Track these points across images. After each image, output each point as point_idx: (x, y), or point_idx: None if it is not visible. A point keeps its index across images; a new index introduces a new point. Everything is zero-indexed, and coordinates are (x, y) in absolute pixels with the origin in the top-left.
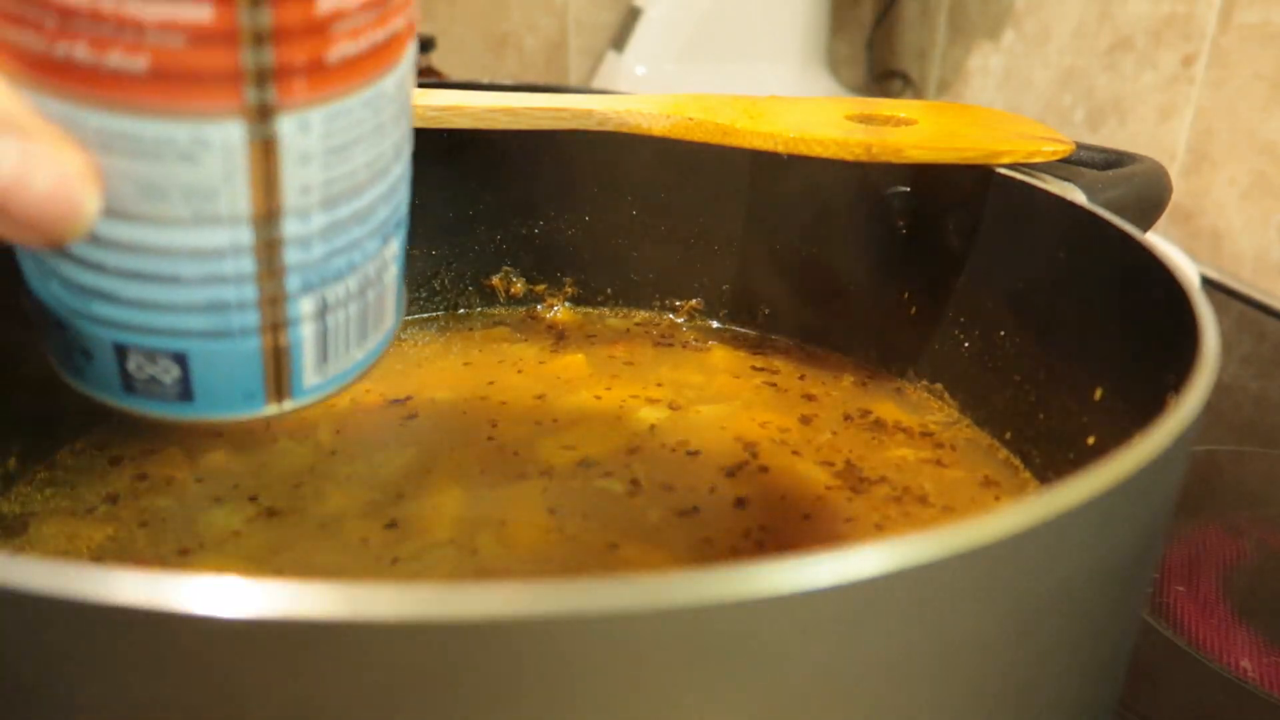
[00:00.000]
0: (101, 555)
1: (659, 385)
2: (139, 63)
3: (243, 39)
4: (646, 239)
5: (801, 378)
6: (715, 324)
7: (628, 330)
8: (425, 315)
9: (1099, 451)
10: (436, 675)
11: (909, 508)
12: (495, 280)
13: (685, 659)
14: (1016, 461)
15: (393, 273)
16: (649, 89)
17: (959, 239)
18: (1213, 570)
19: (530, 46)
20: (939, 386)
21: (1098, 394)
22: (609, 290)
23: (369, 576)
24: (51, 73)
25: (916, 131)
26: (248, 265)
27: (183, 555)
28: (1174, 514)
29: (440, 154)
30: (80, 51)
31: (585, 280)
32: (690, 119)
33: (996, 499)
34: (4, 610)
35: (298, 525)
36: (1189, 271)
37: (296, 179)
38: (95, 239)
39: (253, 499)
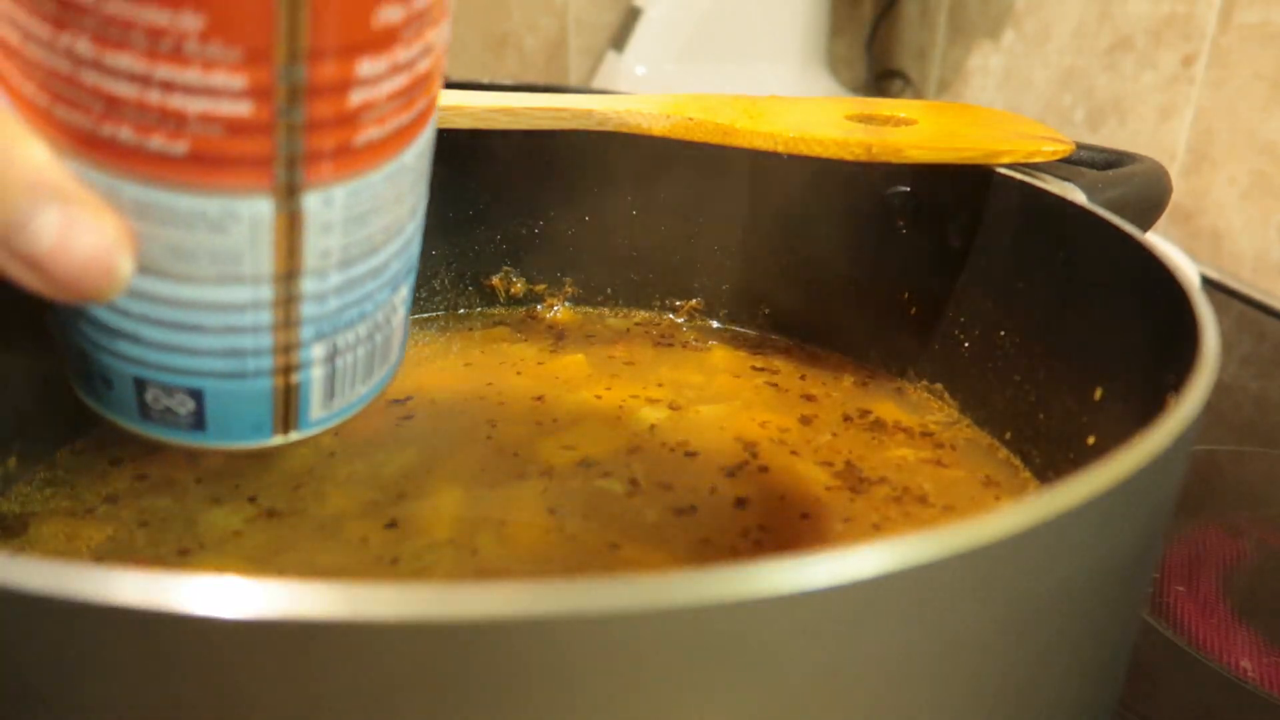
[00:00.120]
0: (101, 555)
1: (659, 385)
2: (179, 147)
3: (277, 130)
4: (646, 239)
5: (802, 378)
6: (715, 324)
7: (628, 330)
8: (425, 315)
9: (1099, 451)
10: (436, 675)
11: (909, 508)
12: (495, 280)
13: (685, 659)
14: (1016, 461)
15: (400, 315)
16: (649, 89)
17: (959, 239)
18: (1213, 570)
19: (530, 46)
20: (939, 386)
21: (1098, 394)
22: (609, 290)
23: (369, 576)
24: (95, 148)
25: (916, 131)
26: (265, 318)
27: (183, 555)
28: (1174, 514)
29: (440, 154)
30: (124, 133)
31: (585, 280)
32: (690, 119)
33: (997, 499)
34: (4, 610)
35: (298, 525)
36: (1189, 271)
37: (317, 245)
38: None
39: (252, 499)
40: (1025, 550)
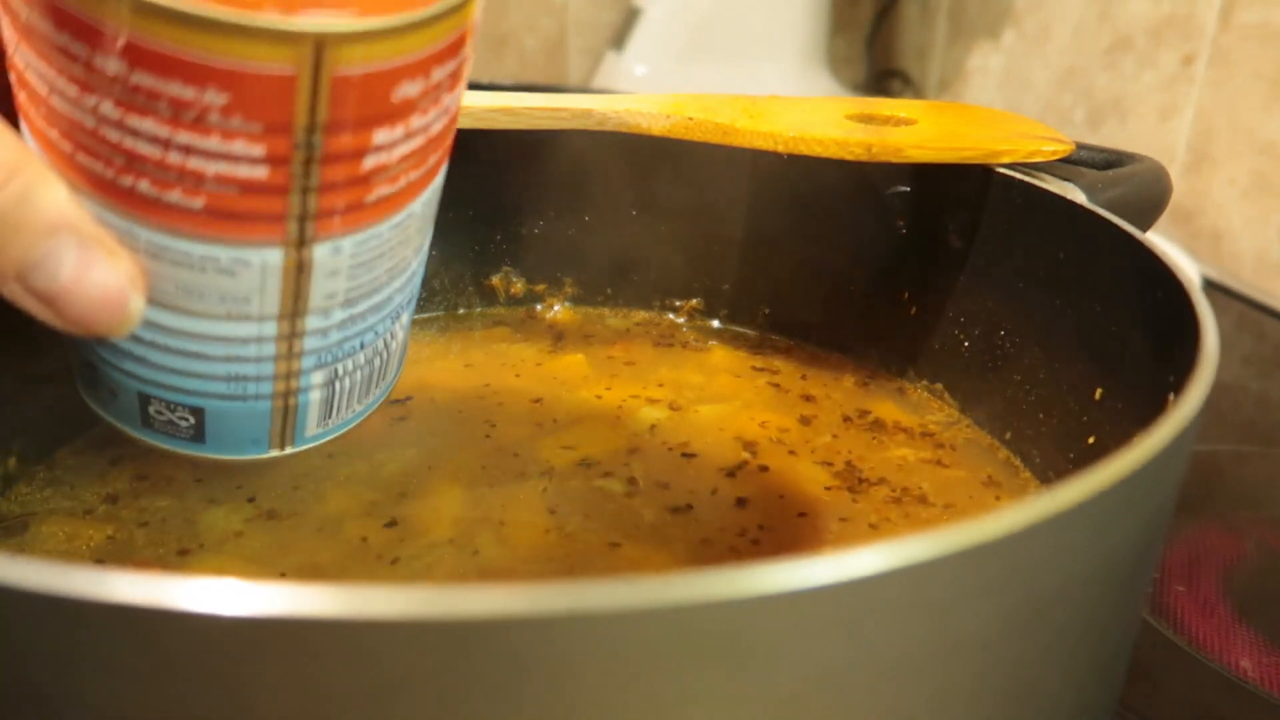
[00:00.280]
0: (101, 555)
1: (659, 385)
2: (195, 202)
3: (292, 191)
4: (646, 239)
5: (802, 378)
6: (715, 324)
7: (628, 330)
8: (425, 315)
9: (1099, 451)
10: (436, 675)
11: (909, 508)
12: (495, 280)
13: (685, 659)
14: (1017, 461)
15: (400, 339)
16: (649, 89)
17: (959, 239)
18: (1213, 570)
19: (530, 46)
20: (939, 386)
21: (1098, 394)
22: (609, 290)
23: (369, 576)
24: (113, 195)
25: (916, 131)
26: (269, 350)
27: (183, 555)
28: (1174, 514)
29: None
30: (143, 185)
31: (585, 280)
32: (690, 119)
33: (997, 499)
34: (4, 610)
35: (298, 525)
36: (1189, 271)
37: (323, 289)
38: None
39: (252, 499)
40: (1025, 550)
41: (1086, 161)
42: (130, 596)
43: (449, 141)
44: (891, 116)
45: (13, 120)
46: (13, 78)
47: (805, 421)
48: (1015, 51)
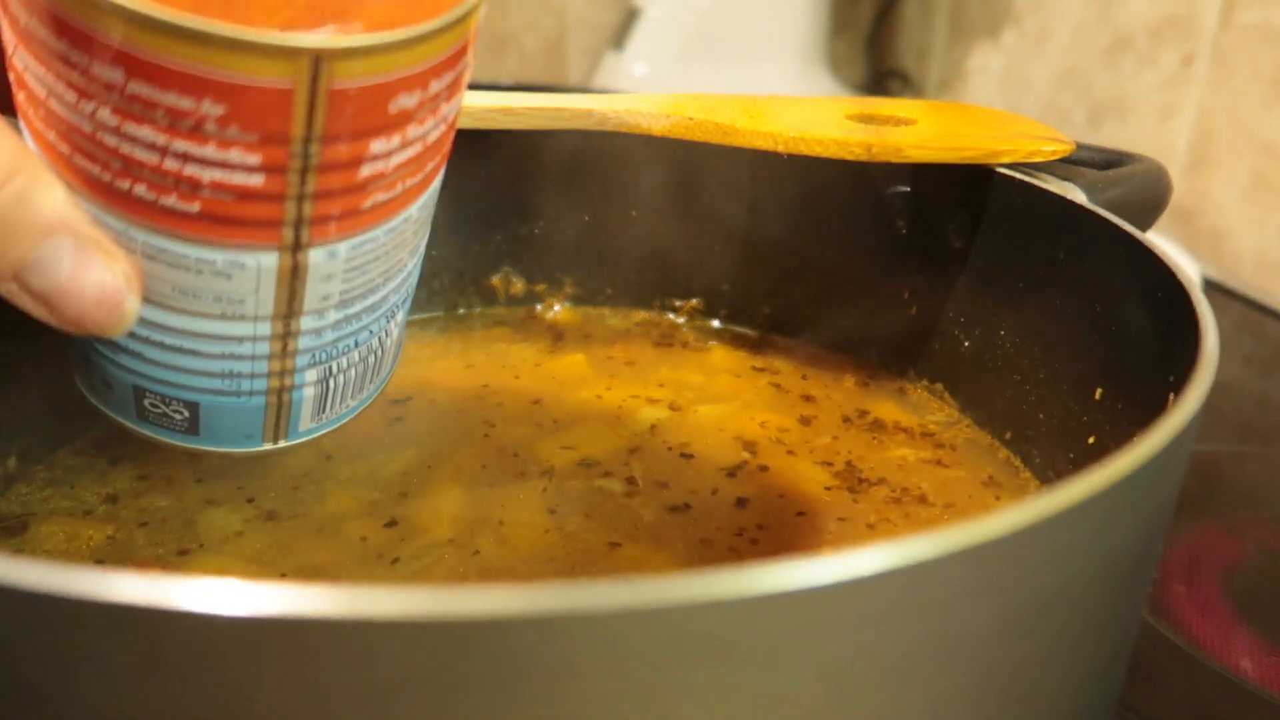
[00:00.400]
0: (101, 555)
1: (659, 385)
2: (192, 207)
3: (288, 199)
4: (646, 239)
5: (803, 378)
6: (715, 324)
7: (628, 330)
8: (425, 315)
9: (1099, 451)
10: (436, 675)
11: (909, 508)
12: (495, 280)
13: (685, 659)
14: (1017, 461)
15: (395, 336)
16: (649, 89)
17: (959, 239)
18: (1213, 570)
19: (530, 46)
20: (939, 386)
21: (1098, 394)
22: (609, 290)
23: (369, 577)
24: (110, 198)
25: (916, 131)
26: (263, 349)
27: (182, 555)
28: (1174, 514)
29: None
30: (140, 189)
31: (585, 280)
32: (690, 119)
33: (997, 499)
34: (4, 610)
35: (298, 525)
36: (1189, 271)
37: (318, 291)
38: None
39: (252, 500)
40: (1025, 550)
41: (1086, 161)
42: (130, 596)
43: (447, 148)
44: (891, 116)
45: (12, 116)
46: (12, 78)
47: (805, 421)
48: (1015, 51)
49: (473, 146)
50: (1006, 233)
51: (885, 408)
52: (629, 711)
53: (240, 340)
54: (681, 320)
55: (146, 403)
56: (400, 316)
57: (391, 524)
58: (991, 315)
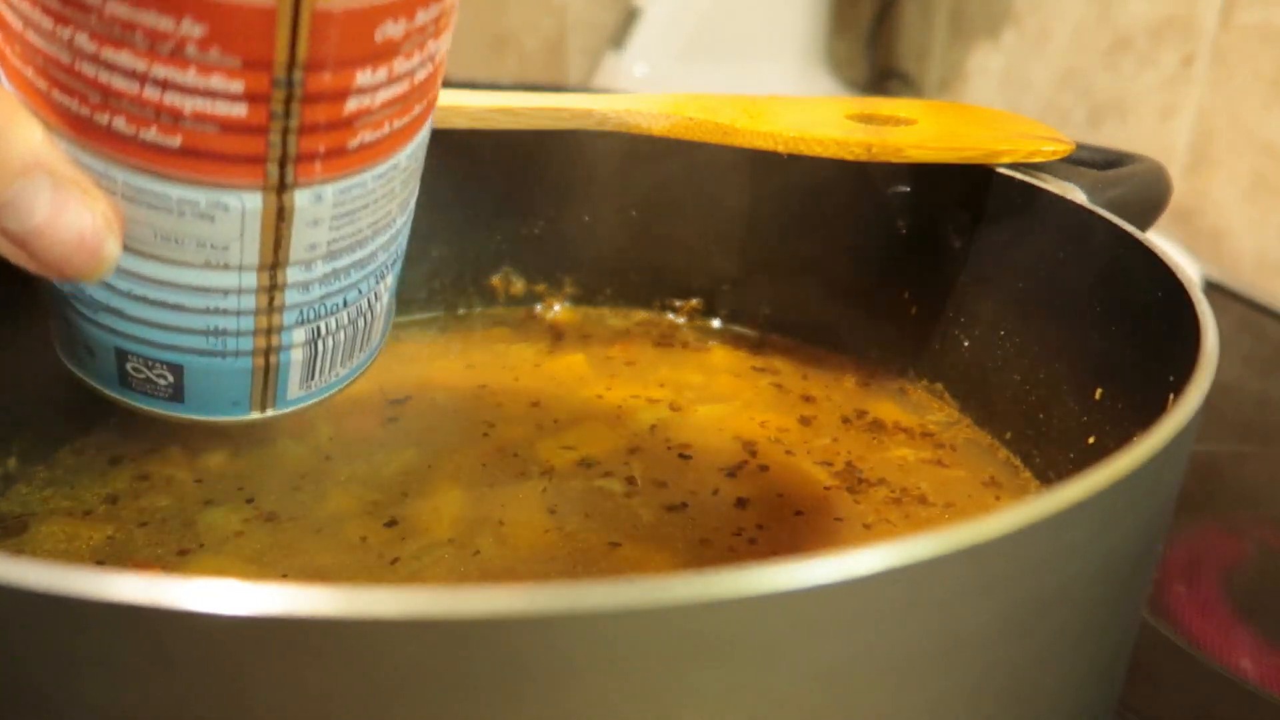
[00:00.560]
0: (101, 555)
1: (659, 385)
2: (173, 140)
3: (271, 132)
4: (646, 239)
5: (804, 378)
6: (715, 324)
7: (628, 330)
8: (425, 315)
9: (1099, 451)
10: (436, 675)
11: (909, 508)
12: (495, 280)
13: (685, 659)
14: (1017, 461)
15: (385, 301)
16: (649, 89)
17: (959, 239)
18: (1213, 570)
19: (530, 46)
20: (939, 386)
21: (1098, 394)
22: (609, 290)
23: (369, 576)
24: (90, 134)
25: (916, 131)
26: (249, 303)
27: (182, 555)
28: (1174, 514)
29: (440, 154)
30: (119, 123)
31: (585, 280)
32: (690, 119)
33: (997, 499)
34: (4, 610)
35: (298, 526)
36: (1189, 271)
37: (304, 239)
38: None
39: (252, 500)
40: (1025, 550)
41: (1086, 161)
42: (130, 596)
43: (434, 94)
44: (891, 116)
45: None
46: None
47: (805, 421)
48: (1015, 51)
49: (473, 146)
50: (1006, 233)
51: (885, 408)
52: (629, 711)
53: (225, 293)
54: (681, 320)
55: (129, 367)
56: (389, 280)
57: (391, 524)
58: (991, 315)
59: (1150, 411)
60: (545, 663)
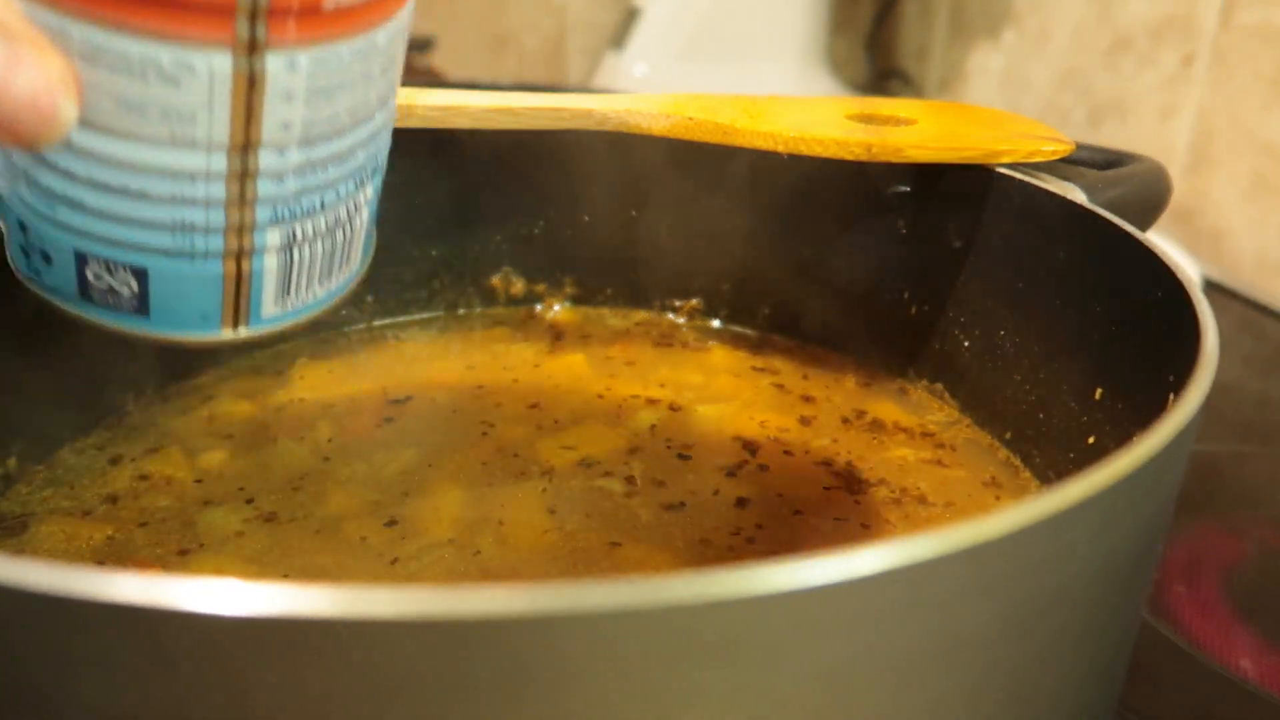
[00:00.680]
0: (101, 555)
1: (659, 385)
2: None
3: None
4: (646, 239)
5: (804, 378)
6: (715, 324)
7: (628, 330)
8: (425, 315)
9: (1099, 451)
10: (436, 675)
11: (909, 508)
12: (495, 280)
13: (685, 658)
14: (1017, 461)
15: (364, 217)
16: (649, 89)
17: (959, 239)
18: (1213, 570)
19: (530, 46)
20: (939, 386)
21: (1098, 394)
22: (609, 290)
23: (369, 576)
24: None
25: (916, 131)
26: (218, 191)
27: (183, 556)
28: (1174, 514)
29: (440, 154)
30: None
31: (585, 280)
32: (690, 119)
33: (997, 499)
34: (4, 610)
35: (298, 525)
36: (1189, 271)
37: (278, 115)
38: (68, 146)
39: (252, 500)
40: (1025, 550)
41: (1086, 161)
42: (130, 596)
43: None
44: (891, 116)
45: None
46: None
47: (805, 422)
48: (1015, 51)
49: (473, 146)
50: (1006, 233)
51: (885, 408)
52: (629, 711)
53: (192, 177)
54: (681, 320)
55: (90, 274)
56: (369, 191)
57: (391, 524)
58: (991, 315)
59: (1150, 411)
60: (545, 663)
